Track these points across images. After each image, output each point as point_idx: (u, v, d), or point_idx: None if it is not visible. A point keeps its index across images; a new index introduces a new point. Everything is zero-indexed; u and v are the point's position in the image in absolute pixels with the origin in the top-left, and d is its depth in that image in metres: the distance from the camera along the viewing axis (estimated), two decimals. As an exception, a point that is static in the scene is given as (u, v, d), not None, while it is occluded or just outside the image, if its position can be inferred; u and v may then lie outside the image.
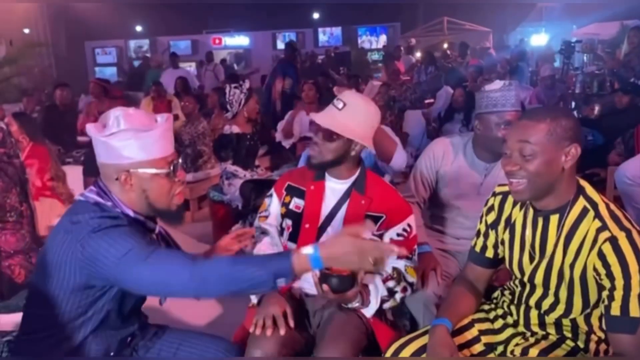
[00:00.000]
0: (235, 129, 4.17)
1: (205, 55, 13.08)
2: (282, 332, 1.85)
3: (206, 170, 5.59)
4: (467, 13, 17.17)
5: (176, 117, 7.15)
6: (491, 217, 1.79)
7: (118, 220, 1.55)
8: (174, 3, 17.16)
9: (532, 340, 1.68)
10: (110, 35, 19.11)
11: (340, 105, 2.00)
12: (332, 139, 2.00)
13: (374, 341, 1.98)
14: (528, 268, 1.67)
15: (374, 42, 18.42)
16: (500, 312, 1.81)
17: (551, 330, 1.68)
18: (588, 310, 1.61)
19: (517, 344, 1.69)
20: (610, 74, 6.84)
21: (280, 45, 18.10)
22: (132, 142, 1.56)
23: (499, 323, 1.79)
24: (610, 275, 1.47)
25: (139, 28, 21.43)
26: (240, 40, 19.42)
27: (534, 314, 1.71)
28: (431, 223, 2.60)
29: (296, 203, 2.12)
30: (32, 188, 3.23)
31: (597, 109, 5.50)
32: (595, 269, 1.51)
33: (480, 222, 1.84)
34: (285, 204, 2.15)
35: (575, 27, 14.23)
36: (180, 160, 1.67)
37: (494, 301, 1.86)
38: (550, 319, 1.67)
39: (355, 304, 1.92)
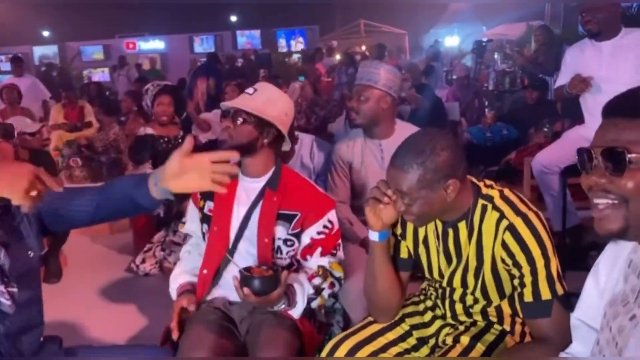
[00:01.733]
0: (149, 131, 4.02)
1: (117, 59, 12.66)
2: (191, 308, 1.91)
3: (123, 178, 5.37)
4: (383, 16, 17.58)
5: (89, 124, 6.84)
6: (398, 229, 1.72)
7: None
8: (84, 3, 16.42)
9: (461, 328, 1.69)
10: (14, 41, 17.99)
11: (251, 91, 1.99)
12: (243, 122, 1.94)
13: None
14: (447, 272, 1.67)
15: (292, 44, 18.44)
16: (429, 303, 1.80)
17: (478, 318, 1.69)
18: (507, 297, 1.63)
19: (447, 334, 1.70)
20: (520, 71, 7.16)
21: (198, 48, 17.76)
22: None
23: (428, 315, 1.78)
24: (516, 265, 1.49)
25: (46, 33, 20.40)
26: (156, 44, 18.89)
27: (459, 306, 1.71)
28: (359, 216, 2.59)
29: (209, 206, 2.04)
30: None
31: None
32: (503, 260, 1.53)
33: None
34: (200, 209, 2.07)
35: (485, 28, 14.90)
36: None
37: (422, 292, 1.86)
38: (475, 309, 1.69)
39: (281, 306, 1.85)
